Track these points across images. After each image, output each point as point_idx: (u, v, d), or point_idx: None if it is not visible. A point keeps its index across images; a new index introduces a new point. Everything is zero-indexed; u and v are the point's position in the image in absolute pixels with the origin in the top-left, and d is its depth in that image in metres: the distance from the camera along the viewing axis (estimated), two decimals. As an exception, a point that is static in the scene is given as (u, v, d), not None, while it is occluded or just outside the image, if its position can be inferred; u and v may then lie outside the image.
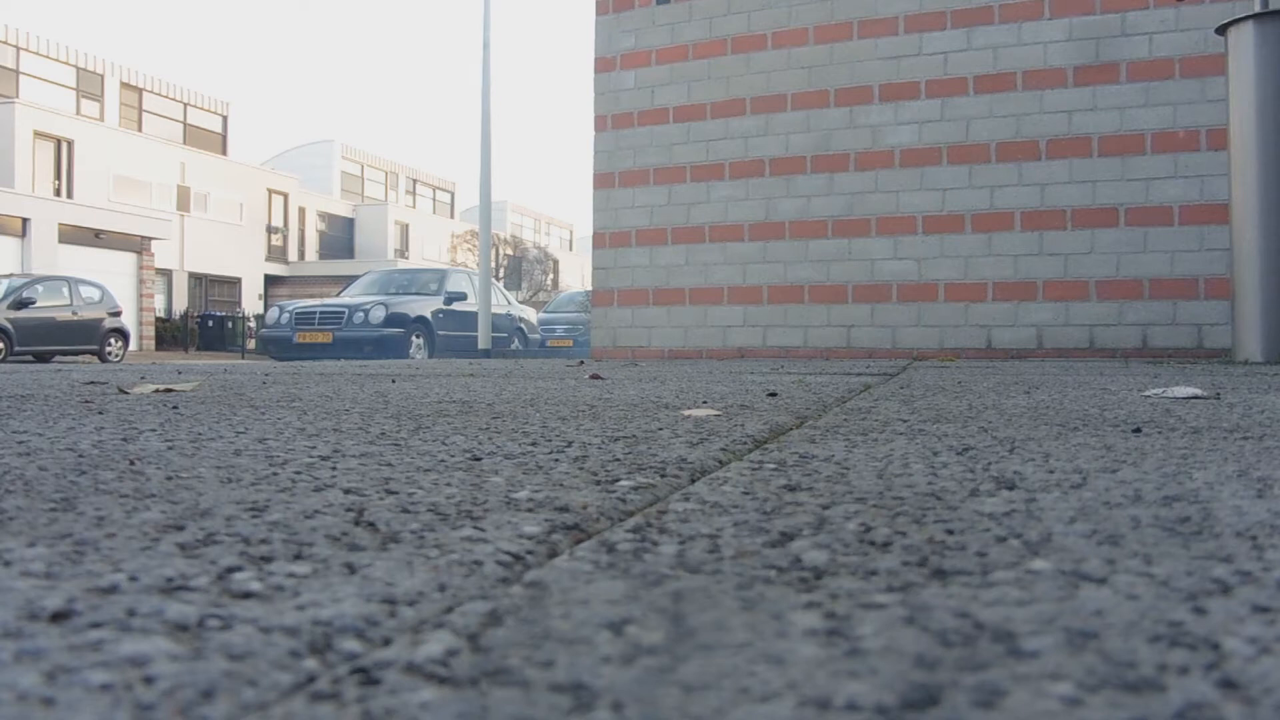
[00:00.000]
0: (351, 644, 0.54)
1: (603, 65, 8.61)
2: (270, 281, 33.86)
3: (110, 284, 20.31)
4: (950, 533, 0.82)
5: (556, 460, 1.30)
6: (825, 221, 7.77)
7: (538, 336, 17.67)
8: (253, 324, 26.96)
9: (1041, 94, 7.12)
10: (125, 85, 29.71)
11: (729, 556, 0.74)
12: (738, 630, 0.55)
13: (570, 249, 53.80)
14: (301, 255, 36.39)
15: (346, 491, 1.03)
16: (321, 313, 14.40)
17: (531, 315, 18.41)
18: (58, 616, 0.57)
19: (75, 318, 17.36)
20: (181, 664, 0.49)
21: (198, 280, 30.83)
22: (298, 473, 1.17)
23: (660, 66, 8.38)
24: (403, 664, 0.50)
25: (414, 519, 0.88)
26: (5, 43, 26.16)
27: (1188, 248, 6.74)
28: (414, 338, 14.27)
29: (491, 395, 2.70)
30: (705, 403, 2.37)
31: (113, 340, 18.04)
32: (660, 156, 8.35)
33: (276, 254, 34.73)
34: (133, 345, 22.14)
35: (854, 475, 1.16)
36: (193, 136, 31.87)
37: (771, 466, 1.24)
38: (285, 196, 35.10)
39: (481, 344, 13.50)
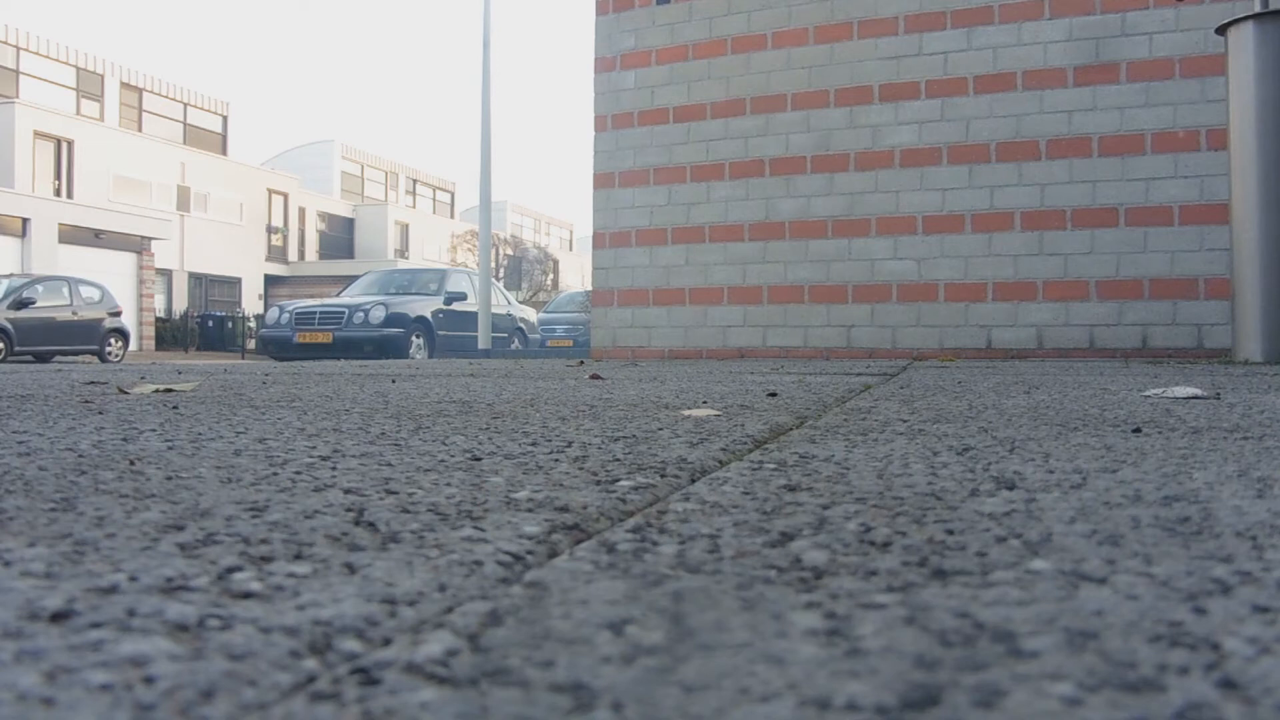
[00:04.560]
0: (351, 644, 0.54)
1: (603, 65, 8.61)
2: (270, 281, 33.86)
3: (110, 284, 20.32)
4: (950, 533, 0.82)
5: (556, 460, 1.30)
6: (825, 221, 7.77)
7: (538, 336, 17.67)
8: (253, 324, 26.96)
9: (1041, 94, 7.12)
10: (125, 85, 29.71)
11: (729, 556, 0.74)
12: (738, 630, 0.55)
13: (570, 249, 53.80)
14: (301, 255, 36.39)
15: (346, 491, 1.03)
16: (321, 313, 14.40)
17: (531, 315, 18.42)
18: (58, 616, 0.57)
19: (75, 318, 17.36)
20: (181, 664, 0.49)
21: (198, 280, 30.83)
22: (298, 473, 1.17)
23: (660, 66, 8.38)
24: (403, 664, 0.50)
25: (414, 519, 0.88)
26: (5, 43, 26.16)
27: (1188, 248, 6.74)
28: (414, 338, 14.27)
29: (491, 395, 2.70)
30: (705, 403, 2.37)
31: (113, 340, 18.05)
32: (660, 156, 8.35)
33: (276, 254, 34.73)
34: (133, 345, 22.14)
35: (854, 475, 1.16)
36: (193, 136, 31.88)
37: (771, 466, 1.24)
38: (285, 196, 35.10)
39: (481, 344, 13.51)
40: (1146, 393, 2.63)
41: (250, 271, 32.76)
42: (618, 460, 1.30)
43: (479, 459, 1.31)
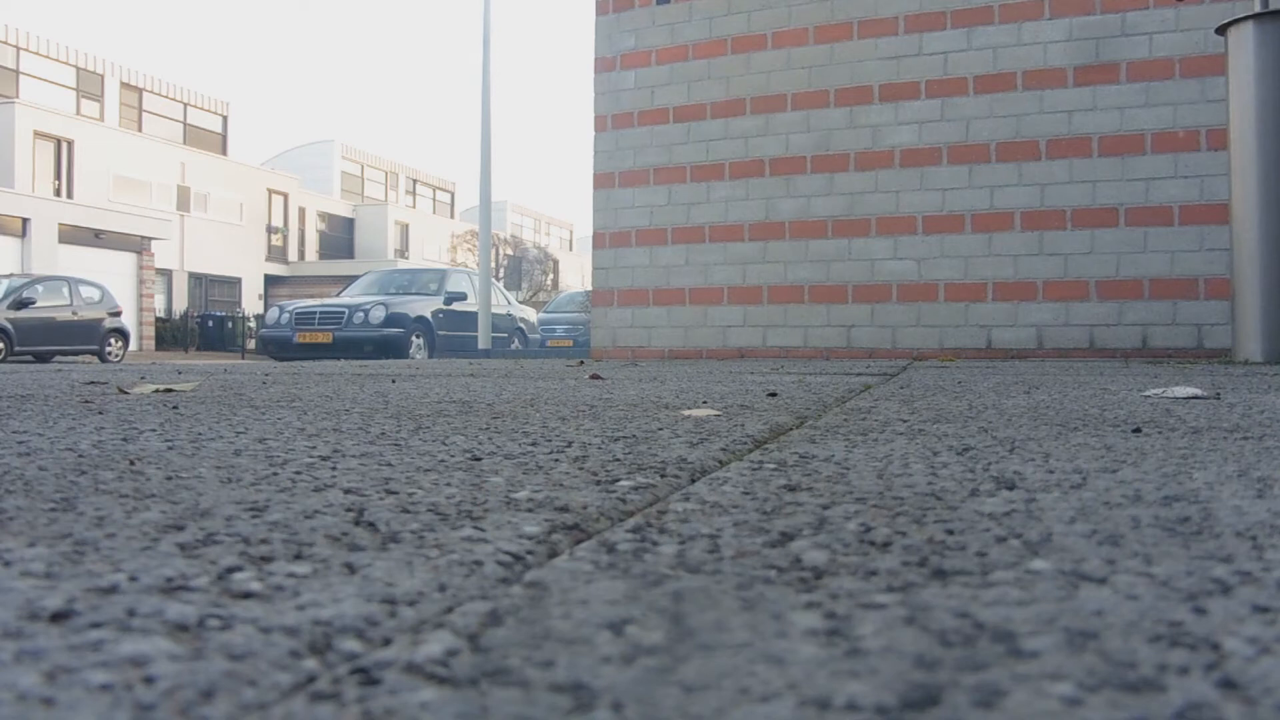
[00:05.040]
0: (351, 644, 0.54)
1: (603, 65, 8.61)
2: (270, 281, 33.85)
3: (110, 284, 20.32)
4: (950, 533, 0.82)
5: (556, 460, 1.30)
6: (825, 221, 7.77)
7: (538, 336, 17.67)
8: (253, 324, 26.96)
9: (1041, 94, 7.12)
10: (125, 85, 29.71)
11: (729, 556, 0.74)
12: (738, 630, 0.55)
13: (570, 249, 53.80)
14: (301, 255, 36.38)
15: (346, 491, 1.03)
16: (321, 313, 14.40)
17: (531, 315, 18.42)
18: (58, 616, 0.57)
19: (75, 318, 17.36)
20: (181, 664, 0.49)
21: (198, 280, 30.82)
22: (298, 473, 1.17)
23: (660, 66, 8.38)
24: (403, 664, 0.50)
25: (414, 519, 0.88)
26: (5, 43, 26.15)
27: (1188, 248, 6.74)
28: (414, 338, 14.27)
29: (491, 395, 2.70)
30: (705, 403, 2.37)
31: (113, 340, 18.05)
32: (660, 156, 8.35)
33: (276, 254, 34.72)
34: (133, 345, 22.14)
35: (854, 475, 1.16)
36: (193, 136, 31.87)
37: (771, 466, 1.24)
38: (285, 196, 35.09)
39: (481, 344, 13.51)
40: (1146, 393, 2.63)
41: (250, 271, 32.75)
42: (618, 460, 1.30)
43: (479, 459, 1.31)
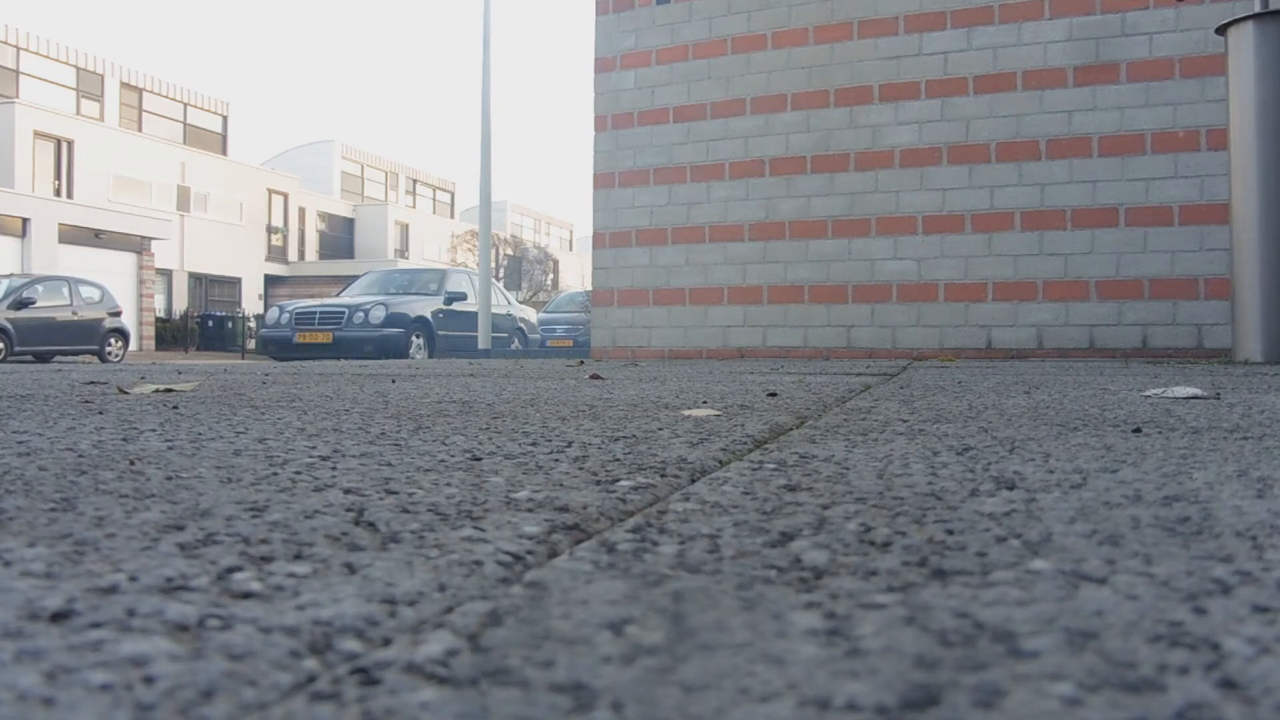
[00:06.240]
0: (351, 644, 0.54)
1: (603, 65, 8.61)
2: (270, 281, 33.84)
3: (110, 284, 20.31)
4: (950, 533, 0.82)
5: (556, 460, 1.30)
6: (825, 221, 7.77)
7: (538, 336, 17.66)
8: (253, 324, 26.95)
9: (1041, 94, 7.12)
10: (125, 85, 29.70)
11: (729, 556, 0.74)
12: (738, 630, 0.55)
13: (570, 249, 53.78)
14: (301, 255, 36.37)
15: (346, 491, 1.03)
16: (321, 313, 14.39)
17: (531, 315, 18.41)
18: (58, 616, 0.57)
19: (75, 318, 17.35)
20: (181, 664, 0.49)
21: (198, 280, 30.82)
22: (298, 473, 1.17)
23: (660, 66, 8.38)
24: (403, 664, 0.50)
25: (414, 519, 0.88)
26: (5, 43, 26.15)
27: (1188, 248, 6.74)
28: (414, 338, 14.26)
29: (491, 395, 2.70)
30: (705, 403, 2.37)
31: (113, 340, 18.04)
32: (660, 156, 8.35)
33: (276, 254, 34.71)
34: (133, 345, 22.14)
35: (854, 475, 1.16)
36: (193, 136, 31.87)
37: (771, 466, 1.24)
38: (285, 196, 35.08)
39: (481, 344, 13.50)
40: (1146, 393, 2.63)
41: (250, 271, 32.75)
42: (618, 460, 1.30)
43: (479, 459, 1.31)
